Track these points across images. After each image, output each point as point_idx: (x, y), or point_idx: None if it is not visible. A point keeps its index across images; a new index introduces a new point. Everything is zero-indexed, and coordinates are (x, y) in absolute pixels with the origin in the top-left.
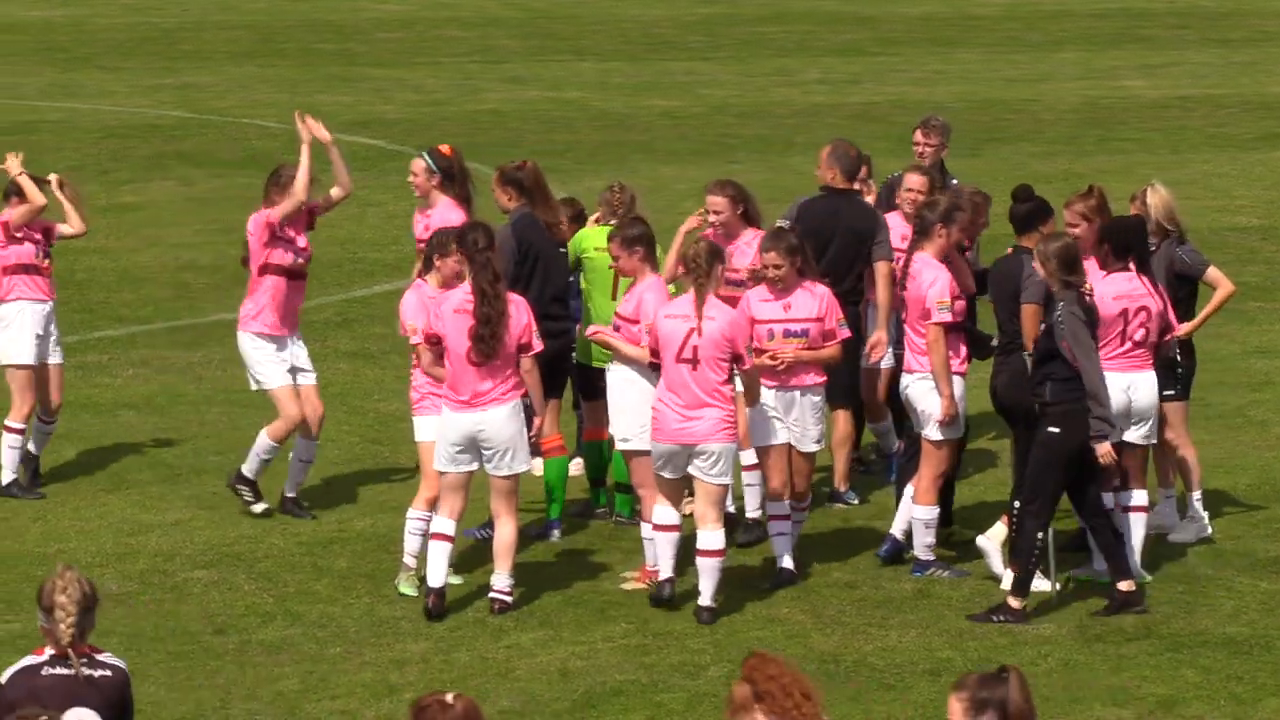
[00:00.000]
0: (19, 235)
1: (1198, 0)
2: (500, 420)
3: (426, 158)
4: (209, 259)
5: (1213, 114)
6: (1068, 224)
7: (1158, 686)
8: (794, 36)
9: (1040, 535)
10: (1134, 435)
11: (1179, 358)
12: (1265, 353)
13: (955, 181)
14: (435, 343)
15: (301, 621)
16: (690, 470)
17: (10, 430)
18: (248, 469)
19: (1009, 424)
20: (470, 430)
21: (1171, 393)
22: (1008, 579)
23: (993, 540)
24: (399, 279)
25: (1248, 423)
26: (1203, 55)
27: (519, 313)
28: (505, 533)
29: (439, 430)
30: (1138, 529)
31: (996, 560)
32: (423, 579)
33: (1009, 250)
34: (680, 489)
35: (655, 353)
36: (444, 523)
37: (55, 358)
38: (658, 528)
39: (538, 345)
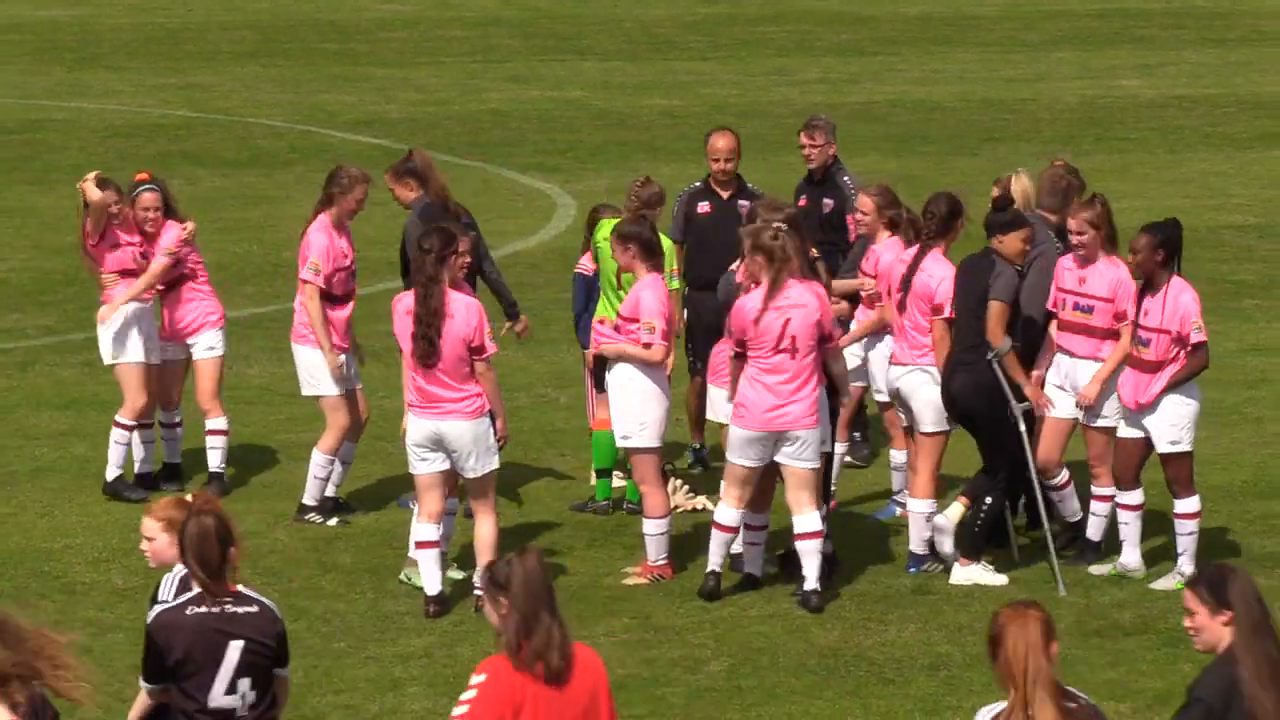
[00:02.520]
0: (93, 243)
1: (1194, 0)
2: (459, 429)
3: (161, 188)
4: (214, 257)
5: (1210, 113)
6: (1073, 231)
7: (1155, 681)
8: (793, 36)
9: None
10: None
11: None
12: (1261, 350)
13: (847, 179)
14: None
15: (306, 616)
16: (778, 458)
17: (120, 426)
18: (308, 496)
19: (966, 427)
20: (431, 433)
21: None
22: (958, 573)
23: (950, 520)
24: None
25: (1243, 420)
26: (1199, 55)
27: (469, 314)
28: (485, 530)
29: (408, 431)
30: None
31: (949, 541)
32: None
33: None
34: (751, 485)
35: (741, 343)
36: (426, 529)
37: (157, 357)
38: (717, 526)
39: (491, 347)
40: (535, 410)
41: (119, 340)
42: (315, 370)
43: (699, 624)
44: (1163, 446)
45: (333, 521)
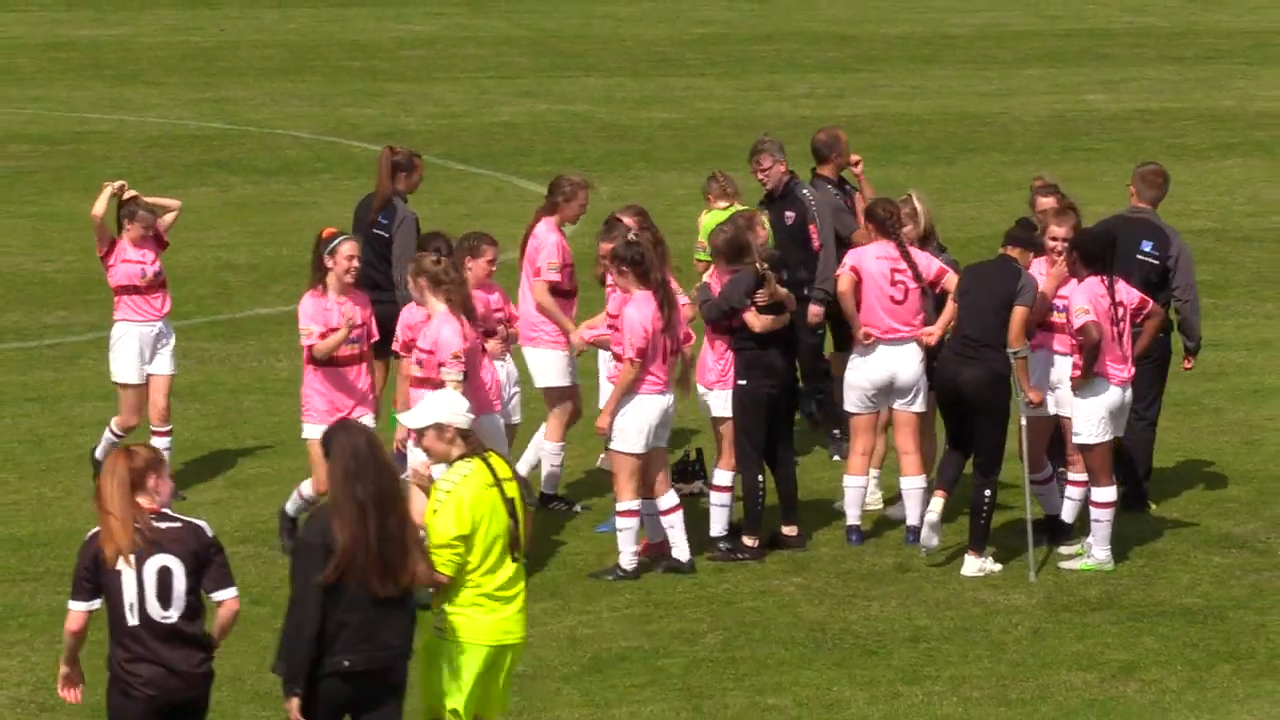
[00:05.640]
0: (110, 261)
1: (1155, 21)
2: (483, 422)
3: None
4: (245, 259)
5: (1169, 125)
6: (1061, 238)
7: (1120, 653)
8: (783, 54)
9: (760, 479)
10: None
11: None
12: (1218, 345)
13: (805, 191)
14: (409, 347)
15: None
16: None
17: (113, 434)
18: (548, 487)
19: (961, 412)
20: None
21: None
22: (971, 564)
23: (937, 513)
24: None
25: (1202, 410)
26: (1160, 71)
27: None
28: None
29: None
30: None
31: (937, 536)
32: None
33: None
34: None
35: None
36: None
37: (161, 369)
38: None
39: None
40: (541, 400)
41: (122, 361)
42: (545, 365)
43: (696, 600)
44: (1074, 437)
45: (575, 507)
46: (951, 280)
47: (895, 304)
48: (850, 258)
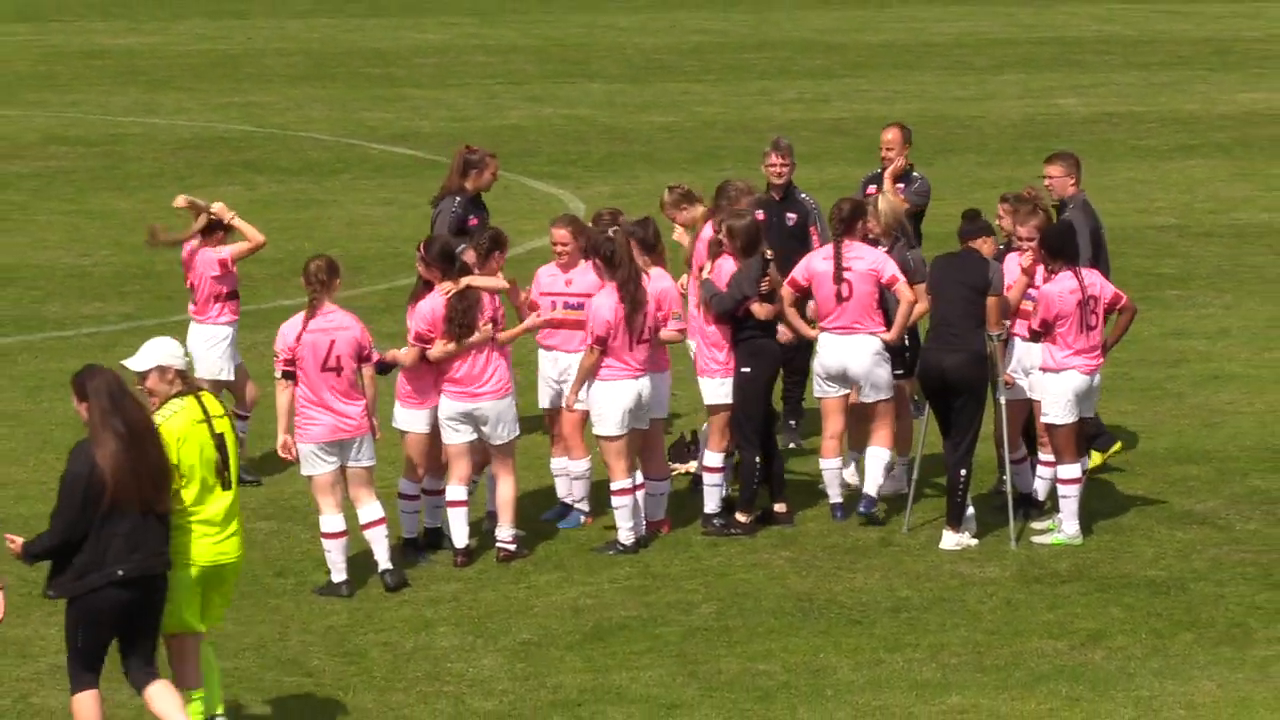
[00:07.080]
0: (228, 270)
1: (1122, 29)
2: (498, 407)
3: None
4: (269, 253)
5: (1135, 128)
6: (1024, 237)
7: (1088, 622)
8: (774, 61)
9: (757, 460)
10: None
11: (906, 342)
12: (1180, 334)
13: (804, 196)
14: (427, 341)
15: (350, 565)
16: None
17: (240, 415)
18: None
19: (946, 397)
20: (466, 411)
21: (900, 372)
22: (949, 539)
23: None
24: None
25: (1165, 395)
26: (1126, 77)
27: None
28: (505, 490)
29: (440, 408)
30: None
31: (973, 523)
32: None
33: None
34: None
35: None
36: (457, 490)
37: (238, 359)
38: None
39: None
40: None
41: (231, 356)
42: None
43: (691, 573)
44: (1043, 417)
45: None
46: (903, 287)
47: (841, 300)
48: (798, 269)
